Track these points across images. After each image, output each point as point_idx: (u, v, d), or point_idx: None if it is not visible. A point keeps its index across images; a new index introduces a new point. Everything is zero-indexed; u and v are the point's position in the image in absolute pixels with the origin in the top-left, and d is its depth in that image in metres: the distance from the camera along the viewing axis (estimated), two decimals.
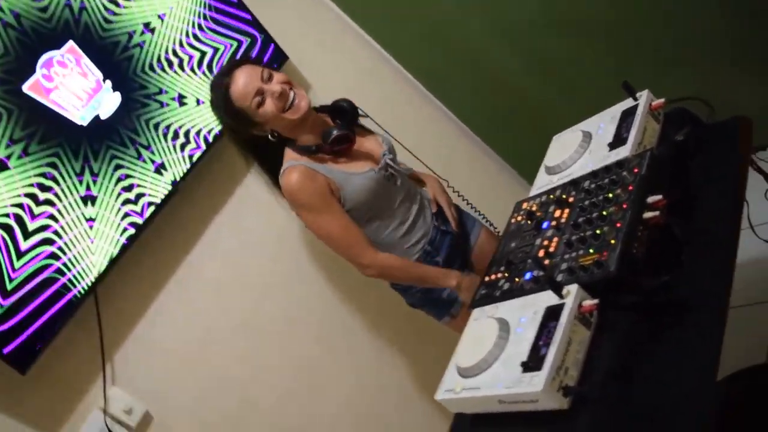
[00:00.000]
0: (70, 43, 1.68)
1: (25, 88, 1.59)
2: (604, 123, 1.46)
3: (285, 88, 1.65)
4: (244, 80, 1.64)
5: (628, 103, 1.43)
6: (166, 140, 1.84)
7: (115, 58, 1.79)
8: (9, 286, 1.51)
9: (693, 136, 1.31)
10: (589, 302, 1.11)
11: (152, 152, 1.82)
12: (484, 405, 1.16)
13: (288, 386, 2.08)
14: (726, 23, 2.04)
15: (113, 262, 1.72)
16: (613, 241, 1.14)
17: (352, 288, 2.27)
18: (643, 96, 1.39)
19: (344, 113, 1.76)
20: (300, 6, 2.45)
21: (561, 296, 1.13)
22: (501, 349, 1.17)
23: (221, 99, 1.68)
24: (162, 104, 1.86)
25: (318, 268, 2.23)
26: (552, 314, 1.12)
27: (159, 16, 1.90)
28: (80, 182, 1.67)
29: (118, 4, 1.81)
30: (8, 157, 1.55)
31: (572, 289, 1.12)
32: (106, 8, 1.79)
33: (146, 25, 1.87)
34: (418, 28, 2.52)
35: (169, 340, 1.88)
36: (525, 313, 1.19)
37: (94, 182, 1.69)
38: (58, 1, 1.69)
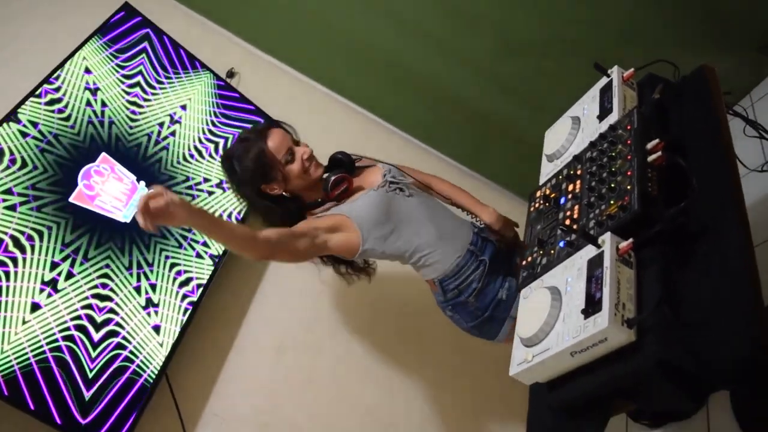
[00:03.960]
0: (103, 155, 1.80)
1: (71, 199, 1.69)
2: (587, 104, 1.55)
3: (312, 151, 1.74)
4: (280, 137, 1.69)
5: (603, 81, 1.53)
6: None
7: (143, 160, 1.91)
8: (90, 375, 1.54)
9: (667, 92, 1.41)
10: (625, 243, 1.15)
11: (194, 234, 1.89)
12: (558, 364, 1.17)
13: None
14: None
15: (178, 341, 1.75)
16: (629, 187, 1.20)
17: (391, 331, 2.29)
18: (614, 71, 1.50)
19: (341, 164, 1.82)
20: (292, 91, 2.61)
21: (598, 246, 1.18)
22: (558, 309, 1.20)
23: (252, 147, 1.65)
24: (193, 196, 1.96)
25: (359, 316, 2.25)
26: (594, 264, 1.16)
27: (171, 116, 2.03)
28: (131, 274, 1.74)
29: (135, 112, 1.95)
30: (72, 264, 1.63)
31: (606, 237, 1.17)
32: (130, 119, 1.92)
33: (163, 124, 2.00)
34: (392, 77, 2.66)
35: (240, 407, 1.88)
36: (569, 273, 1.22)
37: (151, 271, 1.76)
38: (82, 119, 1.82)
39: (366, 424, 2.09)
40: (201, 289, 1.85)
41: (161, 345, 1.70)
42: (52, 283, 1.58)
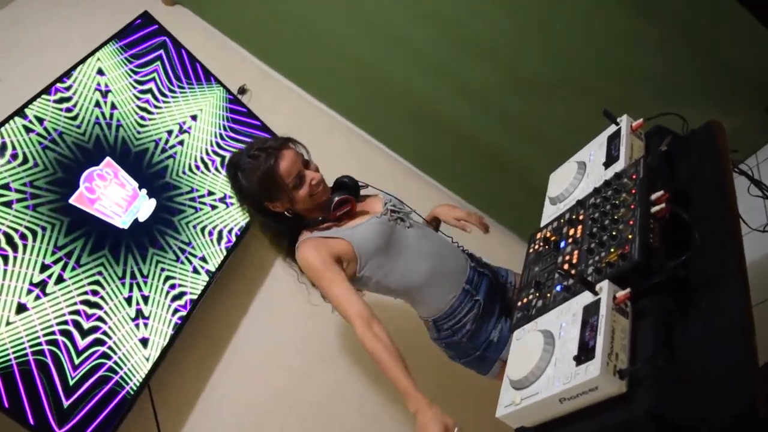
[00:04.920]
0: (107, 159, 1.79)
1: (72, 200, 1.67)
2: (593, 150, 1.55)
3: (322, 177, 1.72)
4: (292, 159, 1.66)
5: (611, 129, 1.53)
6: (203, 235, 1.92)
7: (148, 167, 1.90)
8: (71, 383, 1.51)
9: (675, 144, 1.41)
10: (622, 293, 1.14)
11: (192, 248, 1.88)
12: (546, 408, 1.14)
13: None
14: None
15: (163, 354, 1.72)
16: (630, 236, 1.19)
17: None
18: (624, 119, 1.50)
19: (346, 187, 1.81)
20: (301, 112, 2.62)
21: (595, 293, 1.16)
22: (550, 354, 1.18)
23: (262, 166, 1.63)
24: (196, 209, 1.95)
25: (350, 341, 2.22)
26: (590, 311, 1.14)
27: (180, 125, 2.03)
28: (123, 284, 1.71)
29: (144, 118, 1.95)
30: (64, 268, 1.61)
31: (603, 285, 1.15)
32: (138, 124, 1.92)
33: (171, 132, 2.00)
34: (402, 113, 2.68)
35: (223, 426, 1.84)
36: (564, 318, 1.21)
37: (145, 283, 1.74)
38: (90, 119, 1.81)
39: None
40: (192, 304, 1.82)
41: (147, 359, 1.67)
42: (41, 285, 1.56)
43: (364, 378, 2.21)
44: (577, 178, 1.54)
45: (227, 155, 2.10)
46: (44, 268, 1.58)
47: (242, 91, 2.47)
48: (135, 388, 1.63)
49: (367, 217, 1.72)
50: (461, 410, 2.21)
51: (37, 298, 1.55)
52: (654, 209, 1.22)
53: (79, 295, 1.61)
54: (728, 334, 1.02)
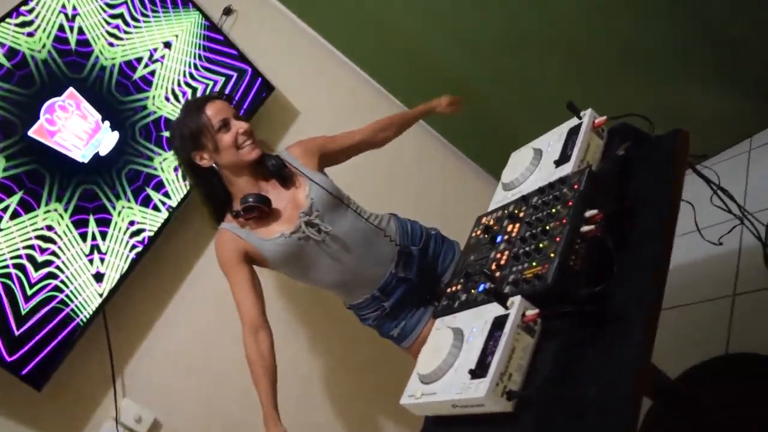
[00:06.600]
0: (70, 90, 1.75)
1: (31, 132, 1.66)
2: (552, 140, 1.47)
3: (251, 130, 1.66)
4: (220, 106, 1.64)
5: (575, 121, 1.44)
6: (168, 171, 1.91)
7: (111, 100, 1.85)
8: (23, 313, 1.58)
9: (632, 151, 1.32)
10: (532, 312, 1.13)
11: (157, 183, 1.87)
12: (441, 409, 1.18)
13: (288, 392, 2.11)
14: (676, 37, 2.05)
15: (119, 284, 1.78)
16: (552, 255, 1.16)
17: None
18: (587, 115, 1.41)
19: (271, 172, 1.69)
20: (282, 38, 2.50)
21: (506, 307, 1.15)
22: (455, 357, 1.20)
23: (190, 112, 1.62)
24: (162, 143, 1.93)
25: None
26: (498, 324, 1.14)
27: (151, 52, 1.96)
28: (79, 220, 1.73)
29: (113, 44, 1.88)
30: (21, 205, 1.62)
31: (516, 301, 1.14)
32: (107, 51, 1.85)
33: (140, 60, 1.93)
34: (394, 47, 2.56)
35: (174, 352, 1.94)
36: (476, 323, 1.21)
37: (104, 219, 1.75)
38: (51, 46, 1.75)
39: (288, 378, 2.15)
40: (149, 240, 1.85)
41: (100, 294, 1.72)
42: None
43: (320, 308, 2.27)
44: (529, 169, 1.48)
45: (200, 87, 2.04)
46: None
47: (228, 11, 2.33)
48: (88, 317, 1.69)
49: (276, 234, 1.65)
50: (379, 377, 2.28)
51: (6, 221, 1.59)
52: (584, 229, 1.18)
53: (34, 230, 1.63)
54: (618, 381, 1.01)
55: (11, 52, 1.65)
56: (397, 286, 1.75)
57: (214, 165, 1.64)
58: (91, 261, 1.72)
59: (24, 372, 1.56)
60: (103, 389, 1.78)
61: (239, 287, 1.64)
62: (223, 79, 2.10)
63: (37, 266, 1.62)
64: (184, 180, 1.86)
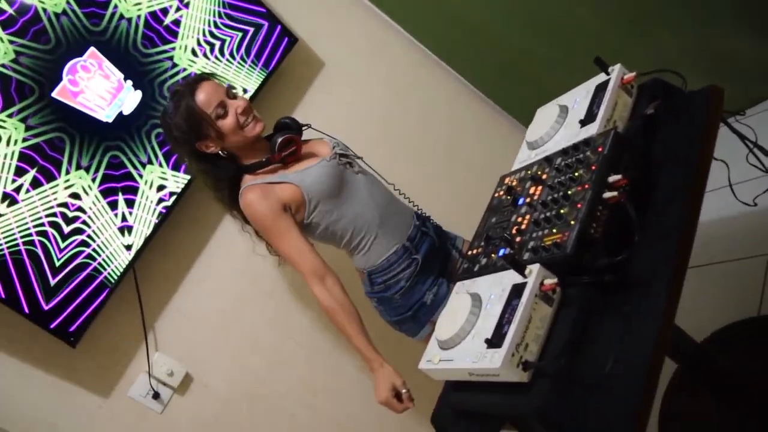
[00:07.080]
0: (92, 49, 1.74)
1: (54, 94, 1.67)
2: (579, 97, 1.40)
3: (249, 105, 1.61)
4: (210, 90, 1.56)
5: (603, 76, 1.37)
6: None
7: (134, 59, 1.84)
8: (57, 264, 1.64)
9: (662, 109, 1.25)
10: (550, 281, 1.11)
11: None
12: (458, 375, 1.19)
13: (314, 344, 2.16)
14: None
15: (147, 242, 1.81)
16: (572, 222, 1.12)
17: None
18: (615, 70, 1.33)
19: (288, 129, 1.69)
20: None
21: (524, 275, 1.13)
22: (472, 324, 1.19)
23: (180, 104, 1.54)
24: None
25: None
26: (516, 292, 1.13)
27: (167, 9, 1.91)
28: (105, 176, 1.76)
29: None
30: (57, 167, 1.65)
31: (534, 269, 1.12)
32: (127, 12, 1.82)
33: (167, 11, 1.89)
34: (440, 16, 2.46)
35: (204, 307, 1.99)
36: (495, 289, 1.20)
37: (128, 174, 1.77)
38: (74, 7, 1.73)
39: (327, 337, 2.20)
40: (176, 197, 1.87)
41: (128, 246, 1.76)
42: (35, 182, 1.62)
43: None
44: (554, 127, 1.42)
45: (217, 43, 2.00)
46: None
47: None
48: (117, 271, 1.74)
49: (317, 160, 1.63)
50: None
51: (27, 191, 1.62)
52: (606, 195, 1.13)
53: (66, 188, 1.67)
54: (637, 352, 0.99)
55: (22, 7, 1.64)
56: (422, 240, 1.72)
57: (220, 152, 1.59)
58: (116, 215, 1.76)
59: (56, 327, 1.63)
60: (136, 344, 1.85)
61: (288, 235, 1.55)
62: (253, 29, 2.04)
63: (69, 221, 1.67)
64: (188, 173, 1.81)
